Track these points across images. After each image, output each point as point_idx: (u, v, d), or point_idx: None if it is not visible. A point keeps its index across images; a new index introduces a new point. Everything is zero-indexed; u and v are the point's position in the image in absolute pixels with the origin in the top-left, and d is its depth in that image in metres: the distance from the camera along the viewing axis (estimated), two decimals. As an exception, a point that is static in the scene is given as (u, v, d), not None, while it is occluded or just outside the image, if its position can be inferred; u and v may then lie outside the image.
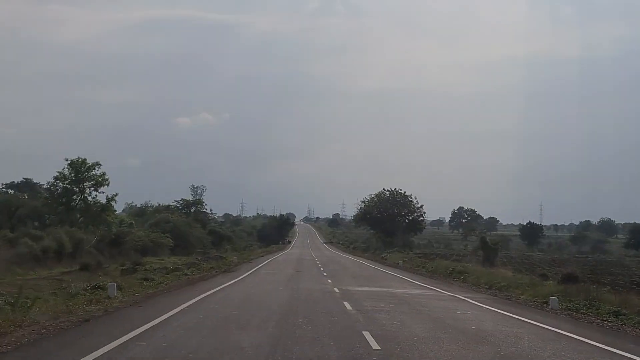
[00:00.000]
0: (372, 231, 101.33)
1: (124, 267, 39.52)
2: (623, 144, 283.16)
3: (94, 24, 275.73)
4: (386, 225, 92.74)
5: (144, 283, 23.57)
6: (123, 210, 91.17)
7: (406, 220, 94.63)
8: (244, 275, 30.25)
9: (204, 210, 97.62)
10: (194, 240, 78.65)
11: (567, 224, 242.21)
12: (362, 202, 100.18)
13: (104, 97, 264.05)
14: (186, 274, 28.07)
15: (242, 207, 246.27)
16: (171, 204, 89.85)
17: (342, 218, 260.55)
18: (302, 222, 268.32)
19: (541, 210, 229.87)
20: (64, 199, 55.68)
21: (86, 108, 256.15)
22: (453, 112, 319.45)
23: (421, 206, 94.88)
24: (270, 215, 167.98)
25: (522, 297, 24.04)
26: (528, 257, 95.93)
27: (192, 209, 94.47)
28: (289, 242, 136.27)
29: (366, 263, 53.59)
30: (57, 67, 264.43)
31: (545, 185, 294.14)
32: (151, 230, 69.82)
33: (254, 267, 39.82)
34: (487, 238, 56.94)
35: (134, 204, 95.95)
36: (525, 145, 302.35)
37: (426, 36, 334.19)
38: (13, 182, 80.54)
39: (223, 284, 23.87)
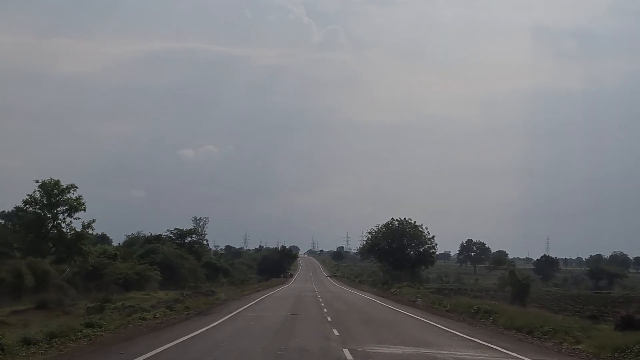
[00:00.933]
0: (379, 264, 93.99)
1: (92, 305, 33.39)
2: (629, 177, 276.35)
3: (99, 57, 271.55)
4: (395, 257, 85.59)
5: (83, 331, 17.19)
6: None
7: (416, 252, 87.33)
8: (220, 321, 23.16)
9: (200, 240, 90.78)
10: (186, 272, 72.27)
11: (574, 257, 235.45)
12: (369, 233, 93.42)
13: (109, 129, 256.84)
14: (144, 319, 21.44)
15: (245, 239, 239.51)
16: (164, 233, 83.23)
17: (346, 251, 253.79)
18: (305, 255, 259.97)
19: (548, 244, 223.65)
20: (34, 226, 49.31)
21: (90, 140, 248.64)
22: (457, 145, 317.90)
23: (432, 237, 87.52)
24: (272, 248, 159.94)
25: (578, 347, 17.98)
26: (548, 292, 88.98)
27: (186, 239, 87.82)
28: (291, 276, 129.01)
29: (376, 300, 46.56)
30: (61, 100, 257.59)
31: (550, 219, 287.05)
32: (137, 262, 63.72)
33: (240, 307, 32.66)
34: (517, 272, 50.08)
35: (133, 235, 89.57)
36: (530, 178, 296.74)
37: (430, 70, 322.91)
38: (4, 211, 75.00)
39: (179, 337, 16.95)
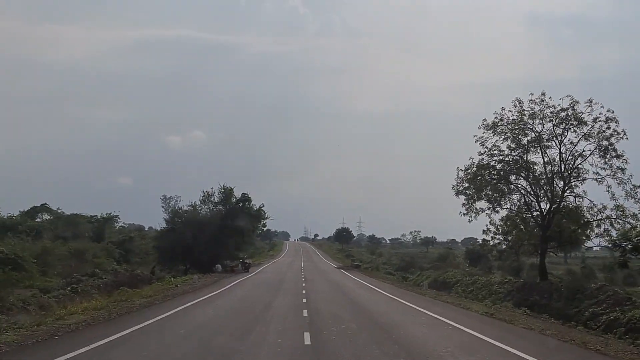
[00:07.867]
0: None
1: None
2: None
3: (88, 43, 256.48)
4: None
5: None
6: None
7: None
8: None
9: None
10: None
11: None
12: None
13: (96, 116, 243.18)
14: None
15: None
16: None
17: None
18: (297, 241, 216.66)
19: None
20: None
21: (78, 127, 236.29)
22: (450, 133, 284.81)
23: None
24: (203, 195, 56.37)
25: None
26: None
27: None
28: (247, 267, 51.57)
29: None
30: (49, 87, 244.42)
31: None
32: None
33: None
34: None
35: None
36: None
37: (423, 58, 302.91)
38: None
39: None
